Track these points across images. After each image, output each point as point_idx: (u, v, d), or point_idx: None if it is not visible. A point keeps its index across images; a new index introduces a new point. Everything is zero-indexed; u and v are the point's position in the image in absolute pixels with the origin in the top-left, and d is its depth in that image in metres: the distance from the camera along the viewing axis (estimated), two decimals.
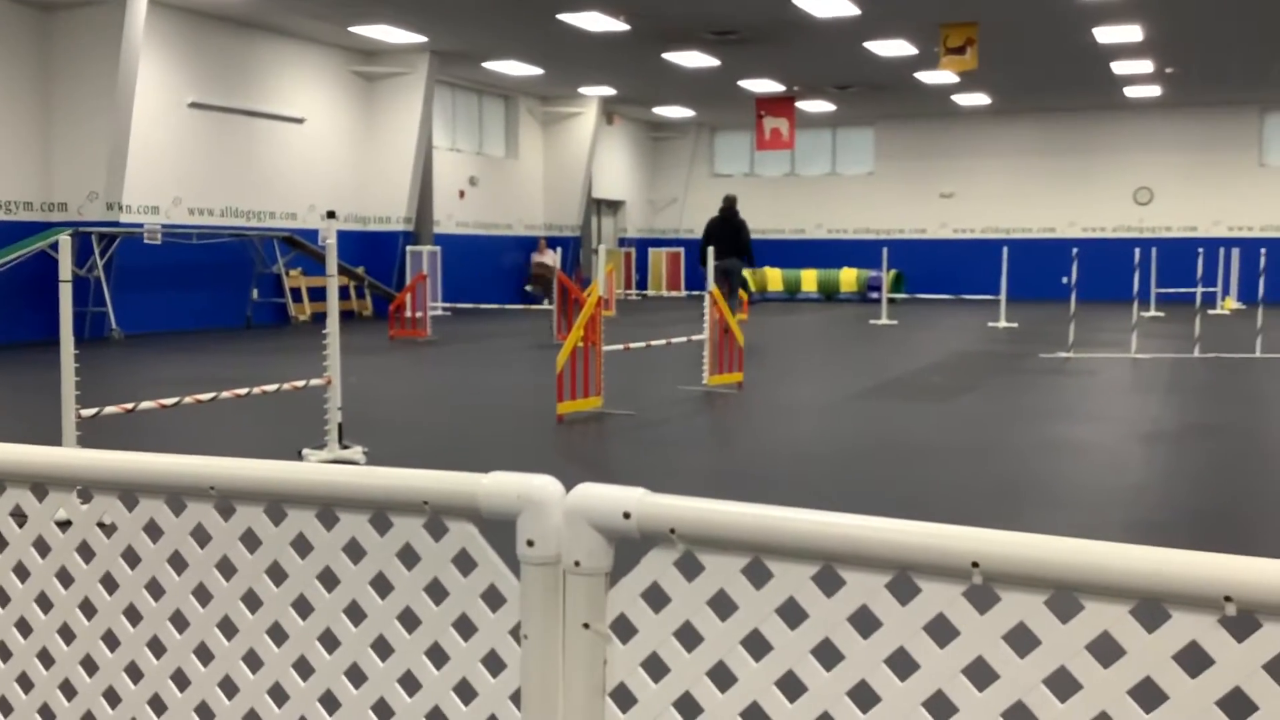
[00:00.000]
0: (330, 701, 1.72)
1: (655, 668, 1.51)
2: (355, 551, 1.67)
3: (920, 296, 26.44)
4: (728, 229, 16.58)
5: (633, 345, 11.31)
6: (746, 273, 26.98)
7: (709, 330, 10.75)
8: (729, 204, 17.04)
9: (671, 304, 25.79)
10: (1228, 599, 1.23)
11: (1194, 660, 1.27)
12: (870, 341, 16.78)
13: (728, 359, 10.91)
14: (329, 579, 1.69)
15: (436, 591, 1.62)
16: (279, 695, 1.75)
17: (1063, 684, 1.33)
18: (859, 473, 7.22)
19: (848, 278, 27.66)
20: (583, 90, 25.64)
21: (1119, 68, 21.92)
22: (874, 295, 25.70)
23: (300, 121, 19.98)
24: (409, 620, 1.65)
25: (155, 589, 1.83)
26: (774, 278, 28.16)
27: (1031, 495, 6.51)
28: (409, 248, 21.27)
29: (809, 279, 27.92)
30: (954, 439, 8.27)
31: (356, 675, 1.69)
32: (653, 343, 11.72)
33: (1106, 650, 1.30)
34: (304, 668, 1.73)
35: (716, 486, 6.73)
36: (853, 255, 29.27)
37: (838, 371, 12.97)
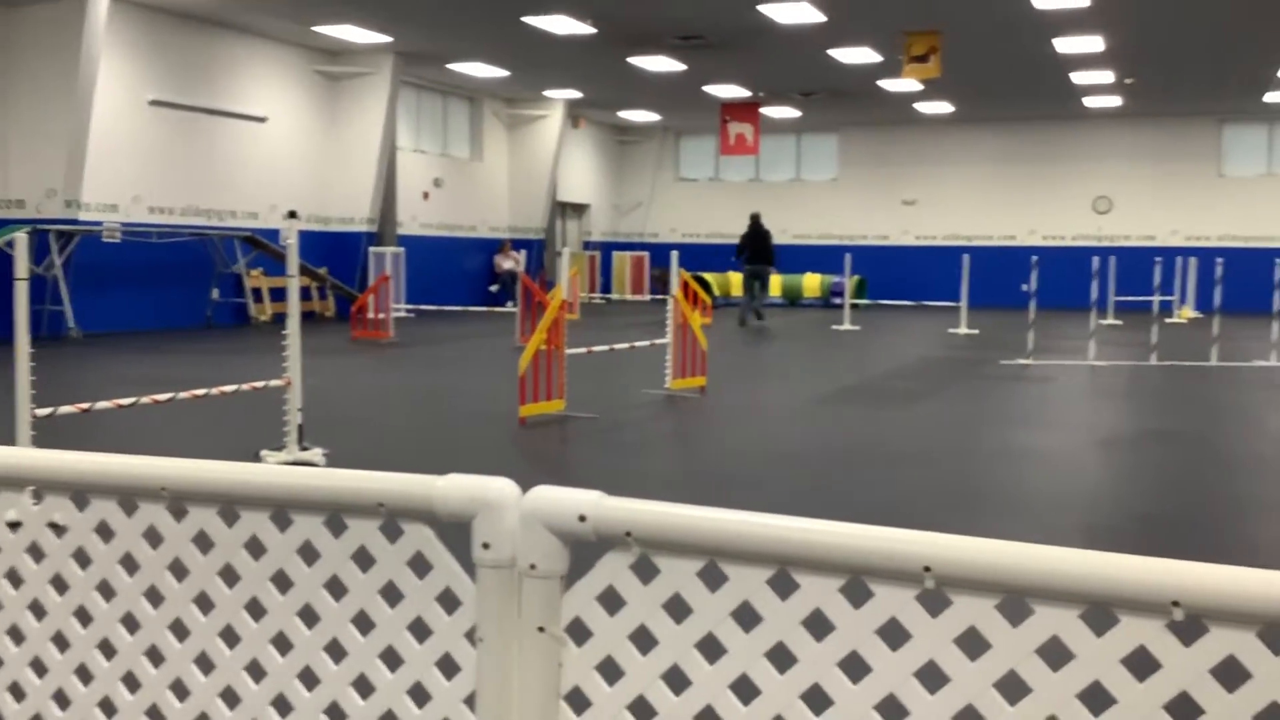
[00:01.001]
0: (283, 704, 1.71)
1: (610, 670, 1.51)
2: (309, 554, 1.66)
3: (883, 302, 26.60)
4: (759, 239, 20.25)
5: (596, 349, 11.30)
6: (711, 277, 27.20)
7: (672, 334, 10.76)
8: (756, 219, 20.57)
9: (635, 308, 25.81)
10: (1175, 604, 1.25)
11: (1142, 664, 1.29)
12: (833, 347, 16.86)
13: (690, 363, 10.92)
14: (282, 581, 1.68)
15: (391, 594, 1.61)
16: (231, 698, 1.74)
17: (1013, 687, 1.34)
18: (819, 477, 7.25)
19: (811, 283, 27.77)
20: (548, 93, 25.61)
21: (1079, 78, 22.16)
22: (837, 301, 25.80)
23: (262, 120, 19.83)
24: (363, 623, 1.64)
25: (106, 590, 1.81)
26: (738, 282, 28.21)
27: (989, 500, 6.56)
28: (372, 249, 21.15)
29: (773, 284, 27.94)
30: (914, 444, 8.32)
31: (310, 678, 1.68)
32: (616, 346, 11.72)
33: (1056, 654, 1.32)
34: (257, 670, 1.72)
35: (677, 490, 6.74)
36: (816, 261, 29.40)
37: (800, 376, 13.02)
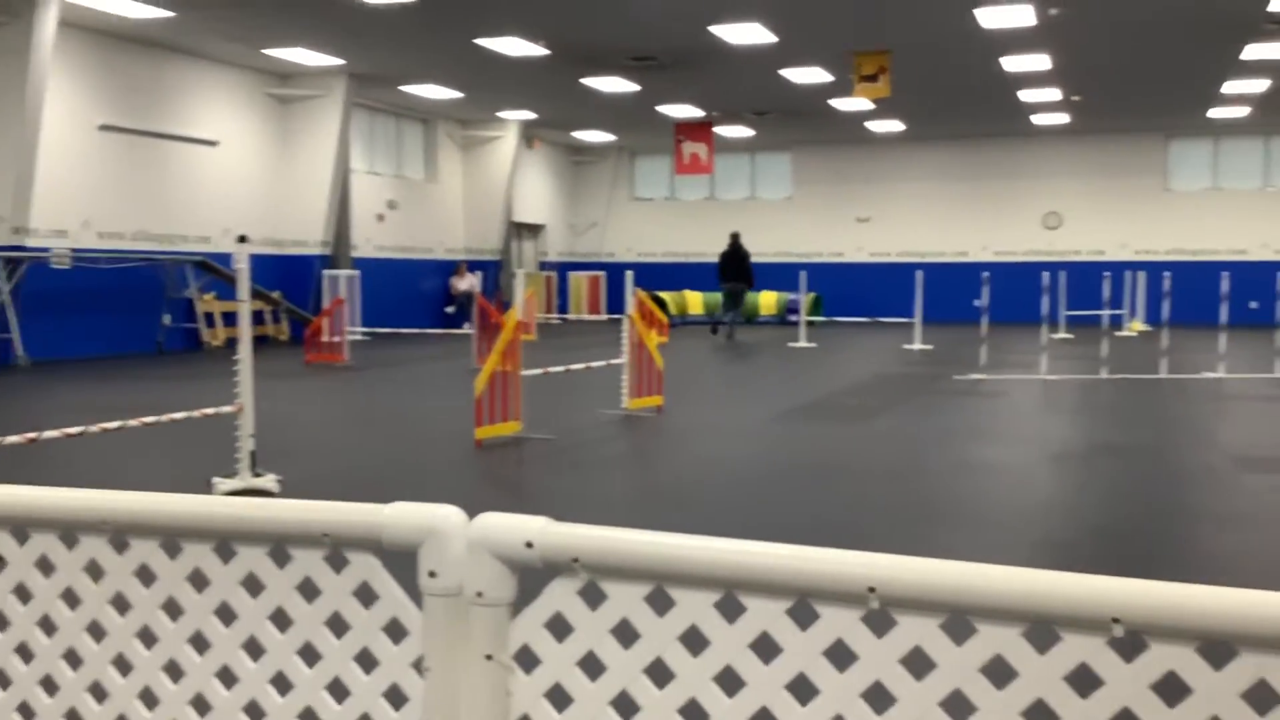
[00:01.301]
0: None
1: (559, 698, 1.50)
2: (254, 585, 1.64)
3: (838, 319, 26.77)
4: (736, 259, 21.60)
5: (552, 369, 11.29)
6: (667, 296, 27.26)
7: (628, 354, 10.77)
8: (735, 238, 22.00)
9: (593, 327, 25.81)
10: (1115, 620, 1.26)
11: (1084, 681, 1.30)
12: (789, 364, 16.93)
13: (647, 382, 10.93)
14: (226, 614, 1.66)
15: (338, 625, 1.60)
16: None
17: (958, 707, 1.35)
18: (776, 495, 7.27)
19: (767, 300, 27.90)
20: (502, 114, 25.62)
21: (1027, 96, 22.46)
22: (793, 318, 25.94)
23: (214, 144, 19.68)
24: (309, 654, 1.62)
25: (48, 626, 1.78)
26: (694, 301, 28.33)
27: (944, 515, 6.60)
28: (326, 271, 21.03)
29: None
30: (870, 460, 8.37)
31: (255, 711, 1.66)
32: (572, 367, 11.72)
33: (1000, 672, 1.32)
34: (201, 705, 1.69)
35: (633, 511, 6.73)
36: (772, 278, 29.53)
37: (757, 394, 13.06)
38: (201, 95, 19.48)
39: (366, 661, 1.58)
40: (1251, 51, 18.20)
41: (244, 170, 20.51)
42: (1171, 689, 1.27)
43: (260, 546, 1.63)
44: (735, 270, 21.60)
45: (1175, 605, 1.24)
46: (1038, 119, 25.65)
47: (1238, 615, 1.23)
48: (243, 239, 7.01)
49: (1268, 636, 1.22)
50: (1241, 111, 24.30)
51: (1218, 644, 1.25)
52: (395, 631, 1.56)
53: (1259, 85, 21.14)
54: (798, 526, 6.19)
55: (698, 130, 25.55)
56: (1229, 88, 21.54)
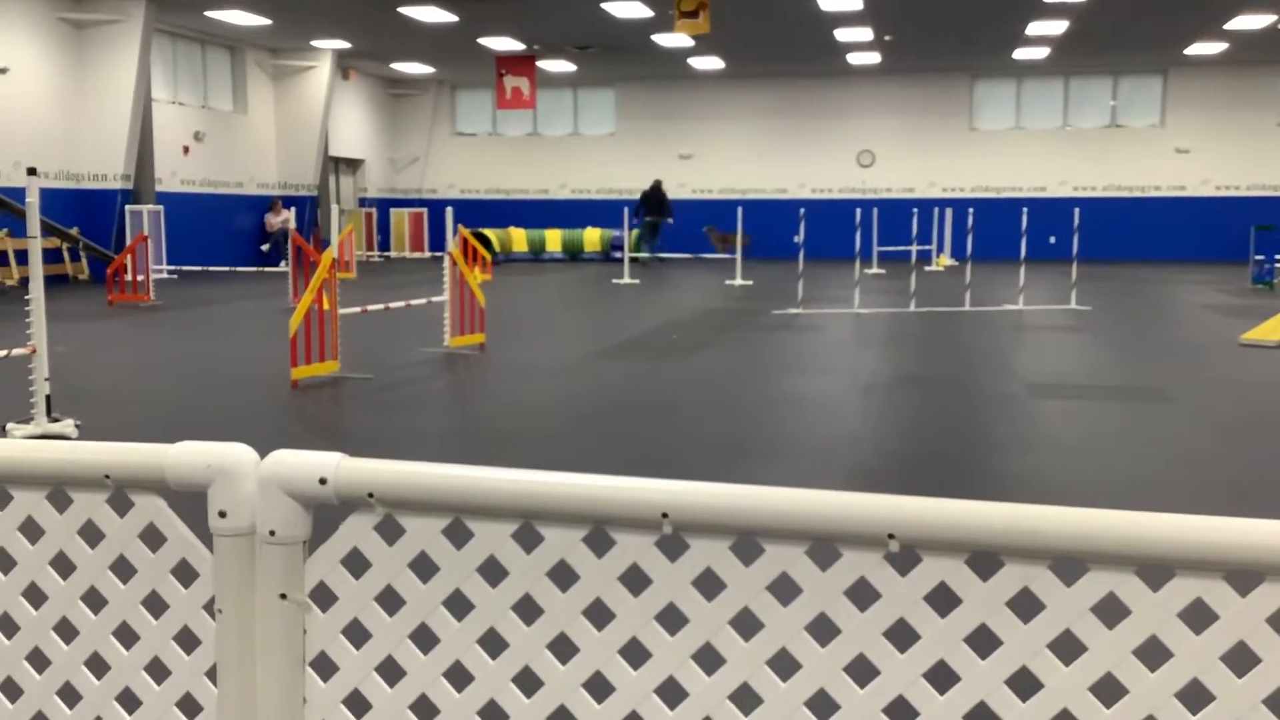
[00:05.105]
0: (11, 689, 1.62)
1: (357, 634, 1.49)
2: (33, 530, 1.57)
3: (662, 255, 26.99)
4: (656, 197, 25.33)
5: (371, 308, 11.08)
6: (492, 233, 26.94)
7: (449, 291, 10.64)
8: (657, 183, 25.72)
9: (415, 265, 25.38)
10: (891, 536, 1.32)
11: (863, 595, 1.36)
12: (613, 301, 17.02)
13: (469, 320, 10.84)
14: (5, 560, 1.59)
15: (124, 569, 1.55)
16: None
17: (747, 624, 1.40)
18: (592, 431, 7.34)
19: (591, 237, 27.91)
20: (315, 43, 24.73)
21: (842, 35, 22.90)
22: (617, 255, 26.05)
23: (2, 72, 18.43)
24: (94, 600, 1.57)
25: None
26: (519, 238, 28.12)
27: (758, 447, 6.78)
28: (129, 207, 20.03)
29: (553, 239, 28.00)
30: (690, 394, 8.52)
31: (39, 660, 1.60)
32: (392, 305, 11.52)
33: (785, 590, 1.38)
34: None
35: (447, 448, 6.69)
36: (596, 215, 29.55)
37: (580, 331, 13.11)
38: None
39: (155, 605, 1.54)
40: None
41: (35, 100, 19.29)
42: (943, 599, 1.34)
43: (38, 490, 1.56)
44: (654, 208, 25.01)
45: (944, 521, 1.31)
46: (852, 58, 26.20)
47: (1001, 528, 1.30)
48: (32, 171, 6.62)
49: (1027, 547, 1.30)
50: (1042, 52, 25.34)
51: (985, 556, 1.33)
52: (185, 574, 1.52)
53: (1059, 27, 22.05)
54: (610, 460, 6.27)
55: (519, 64, 25.21)
56: (1032, 29, 22.41)
